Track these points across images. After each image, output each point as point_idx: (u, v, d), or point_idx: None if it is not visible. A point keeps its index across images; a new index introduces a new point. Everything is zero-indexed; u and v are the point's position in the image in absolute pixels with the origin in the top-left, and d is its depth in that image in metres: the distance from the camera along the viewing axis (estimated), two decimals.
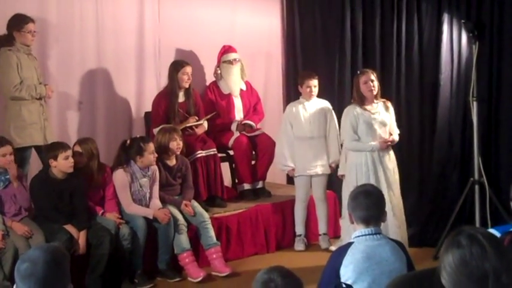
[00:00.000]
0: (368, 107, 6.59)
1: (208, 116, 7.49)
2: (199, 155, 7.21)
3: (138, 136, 6.77)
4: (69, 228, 5.97)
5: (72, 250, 5.81)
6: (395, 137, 6.67)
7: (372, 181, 6.37)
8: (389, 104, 6.71)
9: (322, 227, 7.43)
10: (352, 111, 6.64)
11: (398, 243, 3.96)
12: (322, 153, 7.24)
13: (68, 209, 6.08)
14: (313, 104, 7.27)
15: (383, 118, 6.62)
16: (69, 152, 6.03)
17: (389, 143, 6.58)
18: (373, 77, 6.57)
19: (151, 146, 6.44)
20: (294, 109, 7.32)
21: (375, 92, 6.58)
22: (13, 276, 2.81)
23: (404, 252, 3.89)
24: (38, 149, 6.58)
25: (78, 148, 6.25)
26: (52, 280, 2.73)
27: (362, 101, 6.59)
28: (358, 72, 6.78)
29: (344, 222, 6.77)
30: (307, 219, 7.48)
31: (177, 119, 7.29)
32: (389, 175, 6.56)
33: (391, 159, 6.63)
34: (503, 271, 2.20)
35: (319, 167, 7.25)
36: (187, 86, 7.35)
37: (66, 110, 7.29)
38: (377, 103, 6.63)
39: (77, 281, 2.96)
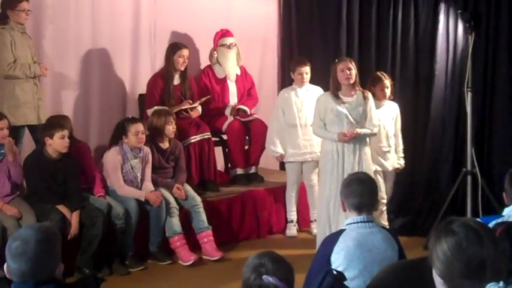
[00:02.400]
0: (342, 96, 6.49)
1: (203, 100, 7.46)
2: (193, 140, 7.20)
3: (128, 116, 6.77)
4: (62, 208, 5.97)
5: (65, 231, 5.82)
6: (367, 130, 6.48)
7: (340, 169, 6.37)
8: (368, 94, 6.57)
9: (313, 214, 7.43)
10: (322, 98, 6.58)
11: (391, 232, 3.97)
12: (313, 140, 7.22)
13: (61, 189, 6.08)
14: (305, 91, 7.25)
15: (356, 109, 6.45)
16: (66, 132, 6.01)
17: (348, 136, 6.39)
18: (351, 65, 6.43)
19: (136, 127, 6.41)
20: (286, 95, 7.31)
21: (351, 81, 6.42)
22: (3, 254, 2.82)
23: (396, 241, 3.89)
24: (31, 128, 6.57)
25: None
26: (43, 259, 2.73)
27: (337, 89, 6.48)
28: (336, 60, 6.70)
29: (320, 209, 6.73)
30: (298, 206, 7.49)
31: (172, 101, 7.27)
32: (355, 166, 6.49)
33: (361, 151, 6.54)
34: (498, 258, 2.20)
35: (310, 154, 7.25)
36: (182, 68, 7.33)
37: (60, 90, 7.25)
38: (354, 93, 6.53)
39: (68, 261, 2.96)
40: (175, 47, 7.36)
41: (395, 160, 6.95)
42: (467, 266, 2.19)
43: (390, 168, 6.92)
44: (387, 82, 6.86)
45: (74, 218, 5.99)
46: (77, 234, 5.99)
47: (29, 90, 6.46)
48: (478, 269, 2.18)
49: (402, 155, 7.00)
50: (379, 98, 6.78)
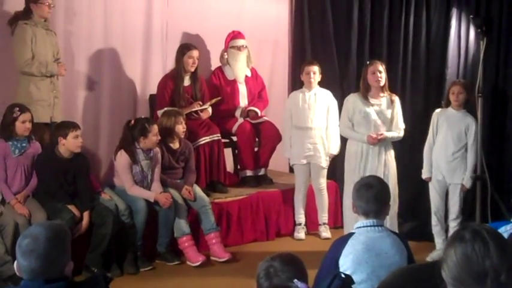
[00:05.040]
0: (371, 98, 6.60)
1: (213, 101, 7.47)
2: (202, 142, 7.20)
3: (142, 117, 6.77)
4: (73, 208, 5.99)
5: (75, 230, 5.85)
6: (393, 133, 6.65)
7: (362, 171, 6.45)
8: (395, 97, 6.71)
9: (321, 217, 7.45)
10: (351, 99, 6.73)
11: (400, 237, 3.96)
12: (320, 143, 7.25)
13: (72, 188, 6.12)
14: (313, 94, 7.28)
15: (383, 112, 6.60)
16: (79, 132, 6.07)
17: (377, 139, 6.52)
18: (381, 68, 6.57)
19: (155, 128, 6.44)
20: (295, 97, 7.38)
21: (381, 84, 6.57)
22: (14, 251, 2.83)
23: (406, 247, 3.89)
24: (45, 126, 6.59)
25: None
26: (53, 256, 2.75)
27: (367, 91, 6.60)
28: (368, 62, 6.79)
29: (345, 211, 6.80)
30: (307, 208, 7.50)
31: (182, 102, 7.28)
32: (380, 168, 6.56)
33: (386, 153, 6.63)
34: (503, 270, 2.19)
35: (317, 157, 7.26)
36: (192, 69, 7.33)
37: (71, 88, 7.24)
38: (383, 96, 6.62)
39: (76, 260, 2.97)
40: (185, 48, 7.37)
41: (465, 176, 6.63)
42: (469, 275, 2.22)
43: (453, 182, 6.67)
44: (455, 88, 6.62)
45: (85, 218, 6.03)
46: (83, 233, 6.01)
47: (44, 89, 6.47)
48: (479, 278, 2.20)
49: (470, 174, 6.63)
50: (452, 103, 6.62)
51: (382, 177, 6.36)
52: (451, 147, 6.60)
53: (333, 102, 7.31)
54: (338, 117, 7.18)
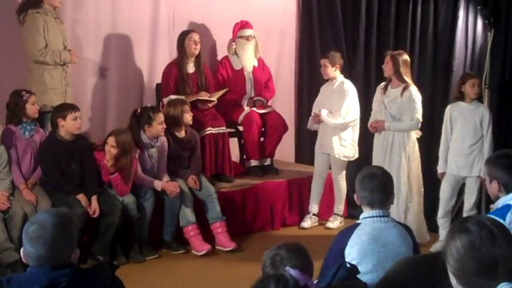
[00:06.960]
0: (390, 88, 6.67)
1: (220, 93, 7.45)
2: (208, 132, 7.20)
3: (148, 105, 6.79)
4: (82, 198, 5.98)
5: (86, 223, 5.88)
6: (397, 124, 6.60)
7: (380, 162, 6.46)
8: (408, 87, 6.57)
9: (337, 208, 7.53)
10: (378, 90, 6.84)
11: (406, 228, 3.95)
12: (337, 135, 7.24)
13: (79, 172, 6.11)
14: (332, 85, 7.30)
15: (393, 102, 6.61)
16: (78, 113, 6.07)
17: (373, 127, 6.73)
18: (387, 58, 6.62)
19: (160, 116, 6.45)
20: (323, 88, 7.47)
21: (385, 74, 6.67)
22: (21, 239, 2.84)
23: (412, 237, 3.87)
24: None
25: (112, 142, 6.18)
26: (59, 243, 2.75)
27: (387, 81, 6.73)
28: None
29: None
30: (322, 198, 7.55)
31: (187, 89, 7.28)
32: (398, 160, 6.56)
33: (405, 145, 6.61)
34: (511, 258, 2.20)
35: (333, 149, 7.25)
36: (196, 52, 7.33)
37: (78, 77, 7.24)
38: (398, 86, 6.59)
39: (81, 248, 2.97)
40: (184, 33, 7.39)
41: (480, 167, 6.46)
42: (479, 265, 2.20)
43: (471, 175, 6.57)
44: (474, 81, 6.46)
45: (93, 202, 6.03)
46: (98, 216, 6.02)
47: (57, 76, 6.50)
48: (490, 268, 2.19)
49: None
50: (469, 95, 6.49)
51: (403, 171, 6.56)
52: (467, 140, 6.51)
53: (350, 91, 7.25)
54: (349, 107, 7.19)
